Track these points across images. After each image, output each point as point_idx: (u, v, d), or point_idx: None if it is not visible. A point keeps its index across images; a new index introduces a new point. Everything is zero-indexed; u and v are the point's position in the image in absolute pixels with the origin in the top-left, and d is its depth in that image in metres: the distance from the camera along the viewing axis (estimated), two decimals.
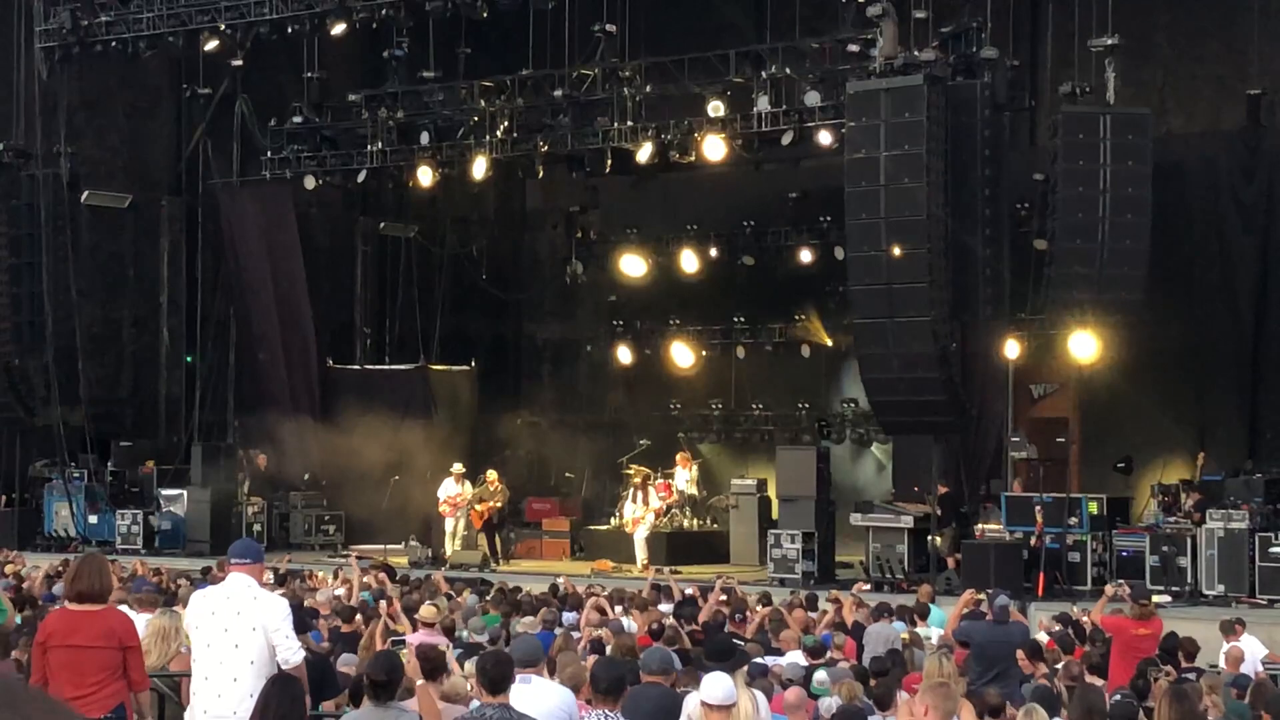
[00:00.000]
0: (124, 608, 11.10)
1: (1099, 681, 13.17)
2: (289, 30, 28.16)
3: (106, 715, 8.84)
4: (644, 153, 27.96)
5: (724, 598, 18.17)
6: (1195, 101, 28.98)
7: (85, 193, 31.26)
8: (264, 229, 31.73)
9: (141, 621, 10.84)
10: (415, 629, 14.71)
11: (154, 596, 13.52)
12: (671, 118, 27.91)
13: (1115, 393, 28.79)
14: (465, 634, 15.12)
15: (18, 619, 13.97)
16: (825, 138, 25.76)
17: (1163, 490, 24.55)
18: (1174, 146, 26.72)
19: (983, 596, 16.43)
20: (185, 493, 30.04)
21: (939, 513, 23.95)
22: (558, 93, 28.51)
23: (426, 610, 14.73)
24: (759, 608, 17.77)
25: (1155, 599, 20.66)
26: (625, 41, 28.02)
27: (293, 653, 9.20)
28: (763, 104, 26.23)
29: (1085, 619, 17.59)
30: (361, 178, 30.60)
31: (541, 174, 31.87)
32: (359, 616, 15.67)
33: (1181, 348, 28.11)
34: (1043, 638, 16.03)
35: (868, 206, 22.84)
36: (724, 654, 9.94)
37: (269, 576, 17.17)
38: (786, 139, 26.01)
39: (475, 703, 8.61)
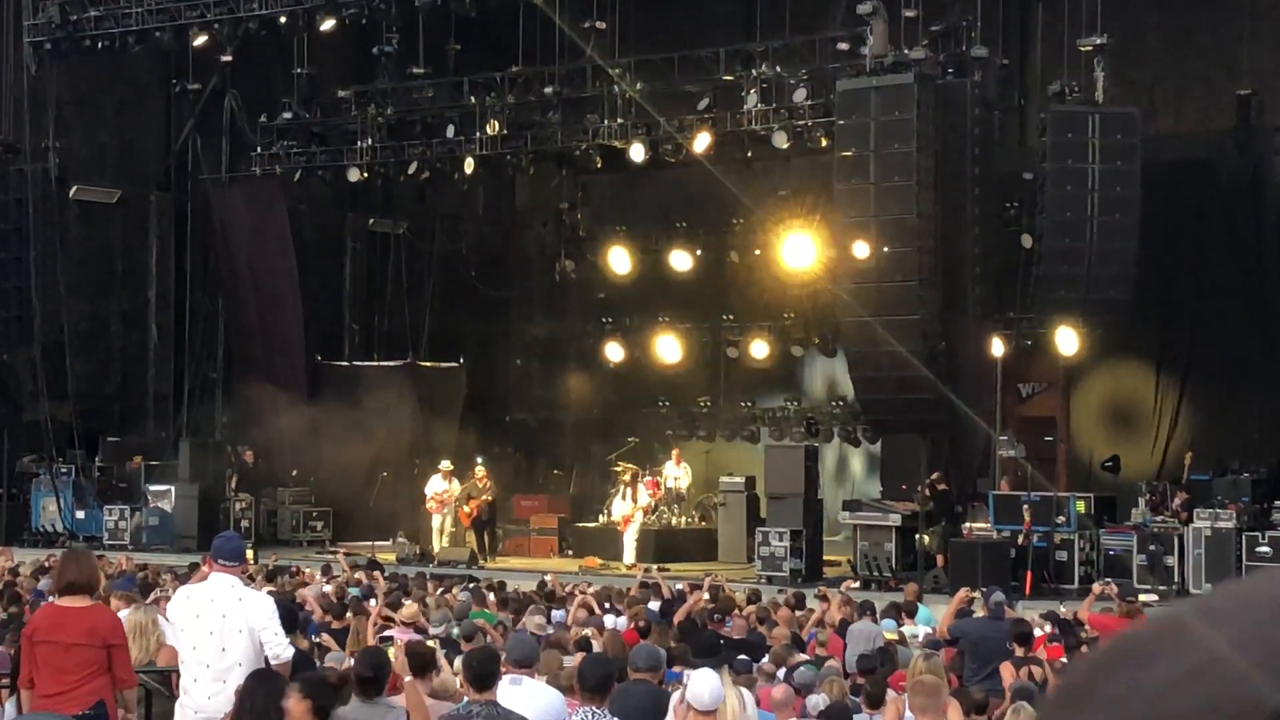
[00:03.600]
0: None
1: None
2: (279, 26, 28.12)
3: (85, 712, 8.83)
4: (634, 150, 27.96)
5: (707, 597, 18.16)
6: (1184, 101, 29.01)
7: (74, 188, 31.23)
8: (253, 225, 31.69)
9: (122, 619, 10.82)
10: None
11: (136, 597, 13.48)
12: (661, 115, 27.91)
13: (1103, 392, 28.87)
14: (455, 632, 15.08)
15: (2, 615, 13.95)
16: (780, 140, 25.86)
17: (1150, 489, 24.59)
18: (1163, 146, 26.75)
19: (976, 595, 16.45)
20: (173, 488, 30.00)
21: (932, 509, 23.97)
22: (548, 90, 28.51)
23: (409, 610, 14.72)
24: (747, 605, 17.77)
25: (1142, 598, 20.72)
26: (615, 39, 28.02)
27: (283, 648, 9.17)
28: (752, 102, 26.24)
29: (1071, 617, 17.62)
30: (354, 177, 30.54)
31: (531, 171, 31.85)
32: (348, 613, 15.64)
33: (1169, 347, 28.16)
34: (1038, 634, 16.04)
35: (858, 204, 22.85)
36: (710, 651, 9.94)
37: (250, 564, 17.12)
38: (780, 142, 25.99)
39: (464, 699, 8.61)
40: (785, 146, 26.23)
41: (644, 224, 33.90)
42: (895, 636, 15.58)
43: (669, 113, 27.89)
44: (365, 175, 30.74)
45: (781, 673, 12.51)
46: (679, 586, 19.87)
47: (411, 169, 29.84)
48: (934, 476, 24.10)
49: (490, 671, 8.13)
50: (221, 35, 28.92)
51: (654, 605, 17.51)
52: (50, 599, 10.57)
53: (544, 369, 35.94)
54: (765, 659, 13.37)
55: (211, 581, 9.40)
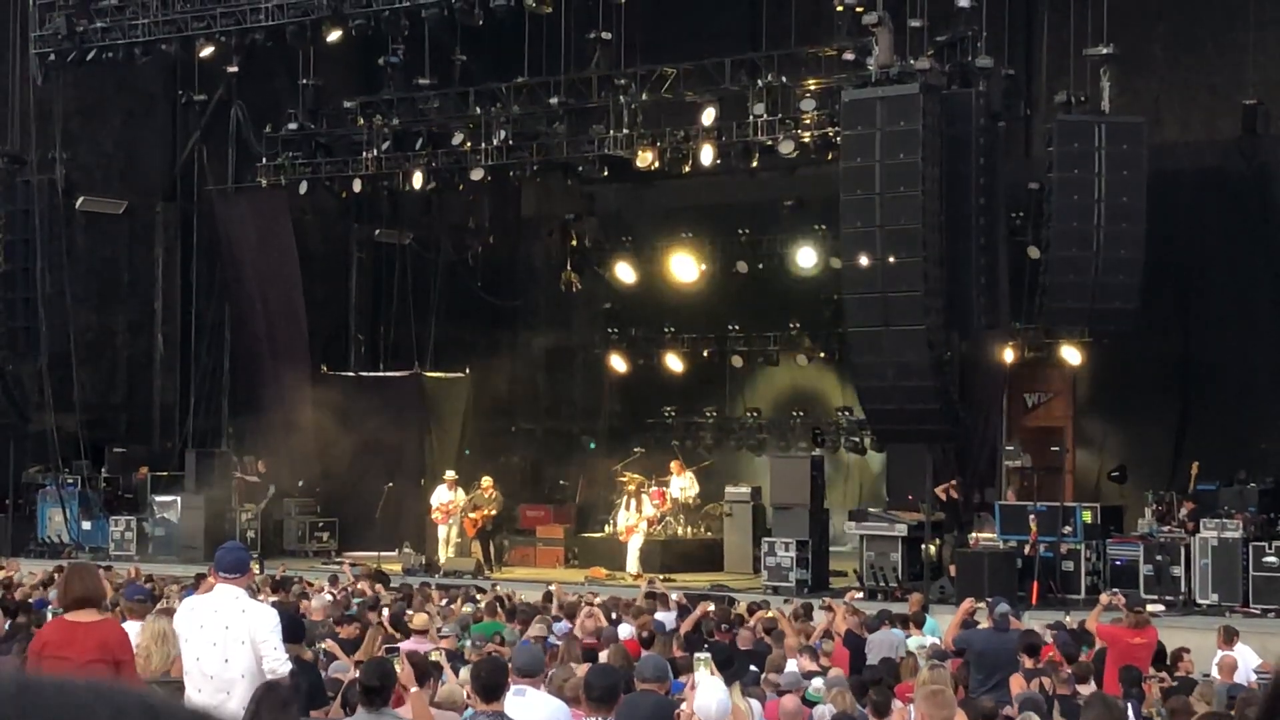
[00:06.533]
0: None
1: (1092, 688, 13.16)
2: (285, 37, 28.14)
3: None
4: (640, 160, 27.96)
5: (711, 608, 18.15)
6: (1190, 110, 29.00)
7: (80, 199, 31.25)
8: (259, 235, 31.70)
9: (134, 629, 10.79)
10: (408, 636, 14.68)
11: (146, 606, 13.47)
12: (667, 125, 27.91)
13: (1109, 401, 28.84)
14: (467, 643, 15.08)
15: (7, 625, 13.93)
16: (787, 147, 25.87)
17: (1157, 499, 24.56)
18: (1169, 155, 26.74)
19: (981, 605, 16.43)
20: (179, 499, 30.01)
21: (945, 516, 23.93)
22: (553, 100, 28.52)
23: (420, 619, 14.71)
24: (750, 615, 17.75)
25: (1149, 608, 20.67)
26: (621, 49, 28.03)
27: (280, 663, 9.13)
28: (758, 111, 26.24)
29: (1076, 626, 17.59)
30: (357, 187, 30.54)
31: (537, 181, 31.85)
32: (353, 623, 15.63)
33: (1175, 357, 28.13)
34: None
35: (863, 215, 22.83)
36: (723, 664, 9.93)
37: (255, 574, 17.09)
38: (787, 149, 25.97)
39: (469, 710, 8.61)
40: (790, 153, 26.15)
41: (650, 234, 33.92)
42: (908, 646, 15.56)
43: (675, 123, 27.89)
44: (370, 186, 30.74)
45: (787, 681, 12.50)
46: (674, 596, 19.89)
47: (417, 179, 29.84)
48: (953, 482, 24.05)
49: (498, 683, 8.12)
50: (228, 46, 28.93)
51: (662, 616, 17.51)
52: (56, 613, 10.53)
53: (550, 379, 35.96)
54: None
55: (216, 593, 9.36)
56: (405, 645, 14.04)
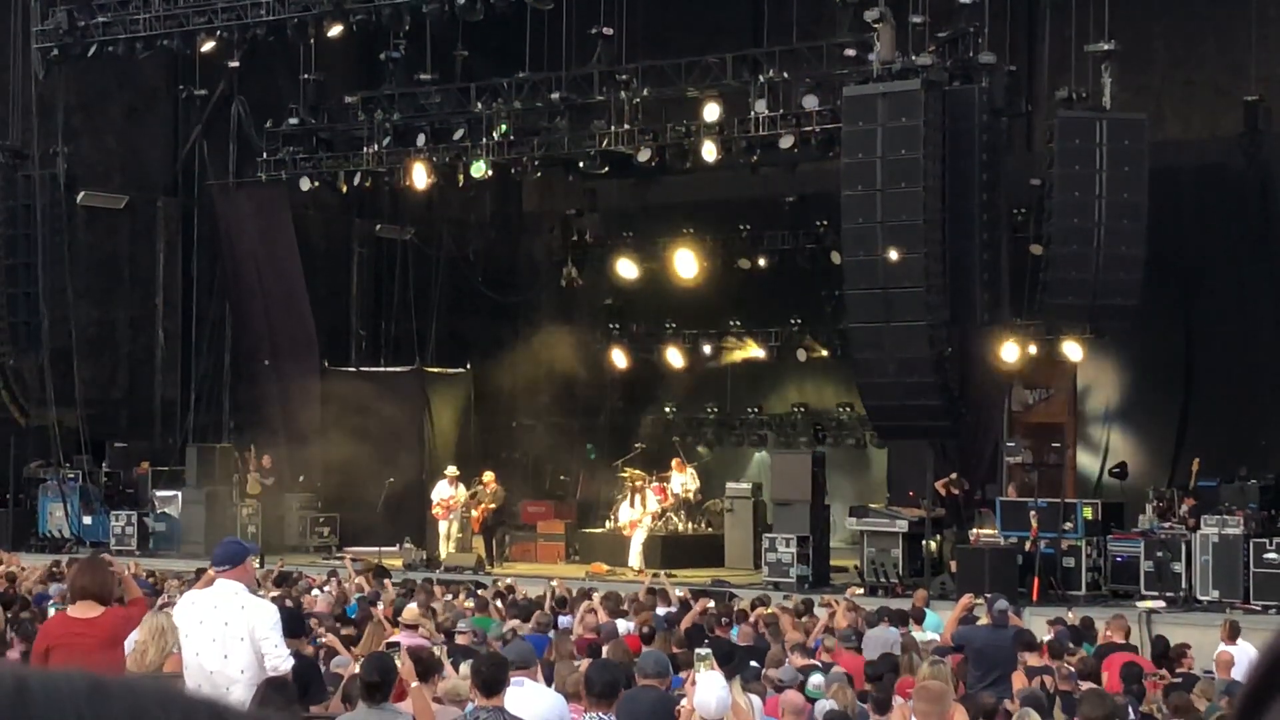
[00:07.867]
0: None
1: (1093, 685, 13.17)
2: (286, 32, 28.14)
3: None
4: (641, 156, 27.95)
5: (710, 604, 18.16)
6: (1192, 107, 29.00)
7: (81, 193, 31.22)
8: (260, 230, 31.69)
9: None
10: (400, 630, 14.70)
11: (150, 600, 13.46)
12: (669, 121, 27.89)
13: (1110, 398, 28.84)
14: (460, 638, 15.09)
15: (7, 619, 13.93)
16: (787, 141, 25.83)
17: (1158, 496, 24.56)
18: (1170, 152, 26.73)
19: (980, 601, 16.44)
20: (180, 494, 30.01)
21: (945, 513, 23.92)
22: (555, 95, 28.49)
23: (409, 612, 14.72)
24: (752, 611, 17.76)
25: (1148, 604, 20.72)
26: (623, 44, 28.01)
27: (282, 660, 9.10)
28: (760, 107, 26.23)
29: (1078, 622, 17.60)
30: (357, 181, 30.53)
31: (538, 177, 31.83)
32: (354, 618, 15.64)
33: (1176, 353, 28.14)
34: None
35: (864, 211, 22.83)
36: (724, 658, 9.92)
37: (256, 568, 17.05)
38: (786, 143, 25.96)
39: (470, 705, 8.62)
40: (790, 147, 26.09)
41: (651, 230, 33.92)
42: (905, 643, 15.56)
43: (676, 118, 27.88)
44: (370, 181, 30.71)
45: (787, 676, 12.51)
46: (679, 593, 19.91)
47: (418, 174, 29.82)
48: (953, 476, 24.03)
49: (499, 678, 8.14)
50: (229, 41, 28.93)
51: (661, 611, 17.52)
52: (59, 607, 10.52)
53: (551, 375, 35.97)
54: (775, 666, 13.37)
55: (216, 587, 9.34)
56: (406, 640, 14.07)
